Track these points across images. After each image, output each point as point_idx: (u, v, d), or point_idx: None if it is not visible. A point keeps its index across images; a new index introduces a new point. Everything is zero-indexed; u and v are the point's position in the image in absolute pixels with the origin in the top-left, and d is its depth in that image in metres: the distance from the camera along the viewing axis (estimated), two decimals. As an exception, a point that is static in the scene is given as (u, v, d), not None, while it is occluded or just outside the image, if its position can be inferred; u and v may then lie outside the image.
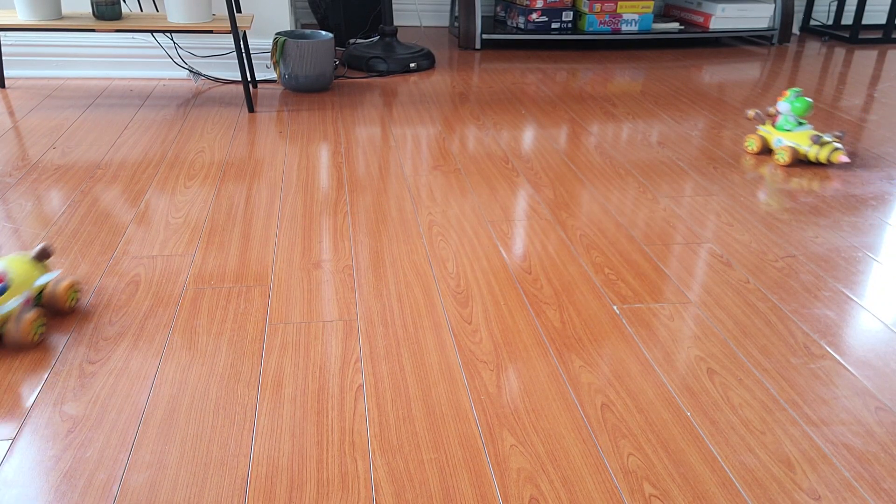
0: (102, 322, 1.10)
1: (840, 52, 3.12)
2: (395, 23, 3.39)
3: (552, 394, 0.98)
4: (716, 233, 1.45)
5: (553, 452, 0.88)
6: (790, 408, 0.97)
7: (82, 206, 1.47)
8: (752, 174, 1.75)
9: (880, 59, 3.00)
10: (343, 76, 2.51)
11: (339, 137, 1.91)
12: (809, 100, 1.83)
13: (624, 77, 2.63)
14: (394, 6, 3.35)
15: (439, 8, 3.40)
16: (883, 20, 3.72)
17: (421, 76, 2.55)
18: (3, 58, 2.30)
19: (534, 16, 2.94)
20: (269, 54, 2.40)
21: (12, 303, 1.02)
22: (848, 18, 3.64)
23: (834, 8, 3.65)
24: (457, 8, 3.09)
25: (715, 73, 2.72)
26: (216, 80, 2.41)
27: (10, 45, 2.30)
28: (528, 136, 1.96)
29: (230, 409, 0.93)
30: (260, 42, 2.42)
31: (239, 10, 2.20)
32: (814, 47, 3.21)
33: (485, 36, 2.95)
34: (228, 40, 2.40)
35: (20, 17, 1.98)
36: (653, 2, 3.00)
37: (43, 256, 1.12)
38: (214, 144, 1.83)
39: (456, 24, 3.14)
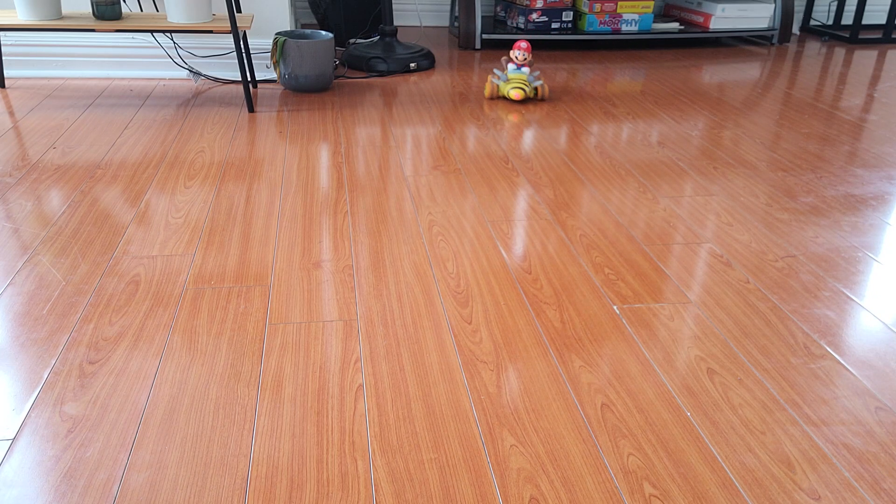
0: (102, 322, 1.10)
1: (840, 52, 3.12)
2: (395, 23, 3.39)
3: (552, 394, 0.98)
4: (716, 233, 1.45)
5: (553, 452, 0.88)
6: (790, 408, 0.97)
7: (82, 206, 1.47)
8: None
9: (880, 59, 3.00)
10: (343, 76, 2.51)
11: (339, 137, 1.91)
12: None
13: (624, 77, 2.62)
14: (394, 6, 3.35)
15: (439, 8, 3.40)
16: (883, 20, 3.72)
17: (421, 76, 2.55)
18: (3, 58, 2.30)
19: (534, 16, 2.94)
20: (269, 54, 2.40)
21: None
22: (848, 18, 3.64)
23: (834, 8, 3.65)
24: (457, 8, 3.09)
25: (715, 73, 2.72)
26: (216, 80, 2.41)
27: (10, 45, 2.30)
28: (528, 136, 1.96)
29: (230, 409, 0.93)
30: (260, 42, 2.42)
31: (239, 10, 2.20)
32: (814, 47, 3.21)
33: (485, 36, 2.95)
34: (228, 40, 2.40)
35: (20, 17, 1.98)
36: (653, 2, 3.00)
37: None
38: (214, 144, 1.83)
39: (456, 24, 3.14)
